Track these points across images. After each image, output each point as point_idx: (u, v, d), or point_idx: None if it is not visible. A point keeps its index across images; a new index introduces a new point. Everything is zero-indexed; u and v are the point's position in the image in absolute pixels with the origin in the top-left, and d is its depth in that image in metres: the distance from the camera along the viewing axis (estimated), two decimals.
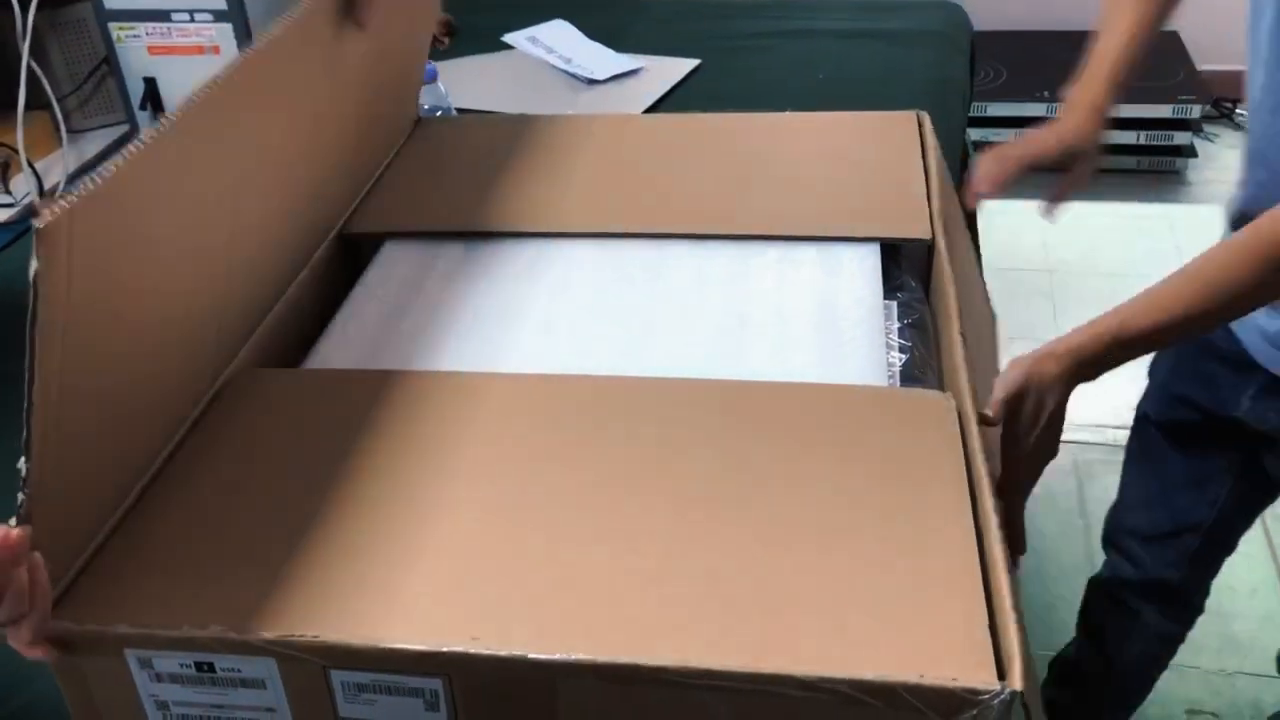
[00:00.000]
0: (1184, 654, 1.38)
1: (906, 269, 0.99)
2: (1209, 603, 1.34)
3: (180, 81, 2.74)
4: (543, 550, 0.63)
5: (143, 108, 2.78)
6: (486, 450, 0.72)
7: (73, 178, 2.64)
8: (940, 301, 0.93)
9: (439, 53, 1.81)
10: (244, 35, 2.64)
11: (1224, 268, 0.83)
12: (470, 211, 1.06)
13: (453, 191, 1.11)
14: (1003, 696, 0.55)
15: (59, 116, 2.69)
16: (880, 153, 1.12)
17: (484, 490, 0.68)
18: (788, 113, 1.23)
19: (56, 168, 2.67)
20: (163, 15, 2.62)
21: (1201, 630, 1.37)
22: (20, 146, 1.99)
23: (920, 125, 1.17)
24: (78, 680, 0.63)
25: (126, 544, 0.66)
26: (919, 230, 0.98)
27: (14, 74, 2.28)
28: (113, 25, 2.66)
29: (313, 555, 0.63)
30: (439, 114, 1.44)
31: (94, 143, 2.89)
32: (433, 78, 1.45)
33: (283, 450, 0.74)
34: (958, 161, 1.42)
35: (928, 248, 1.00)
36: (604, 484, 0.68)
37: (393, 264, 1.01)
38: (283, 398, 0.80)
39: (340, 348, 0.90)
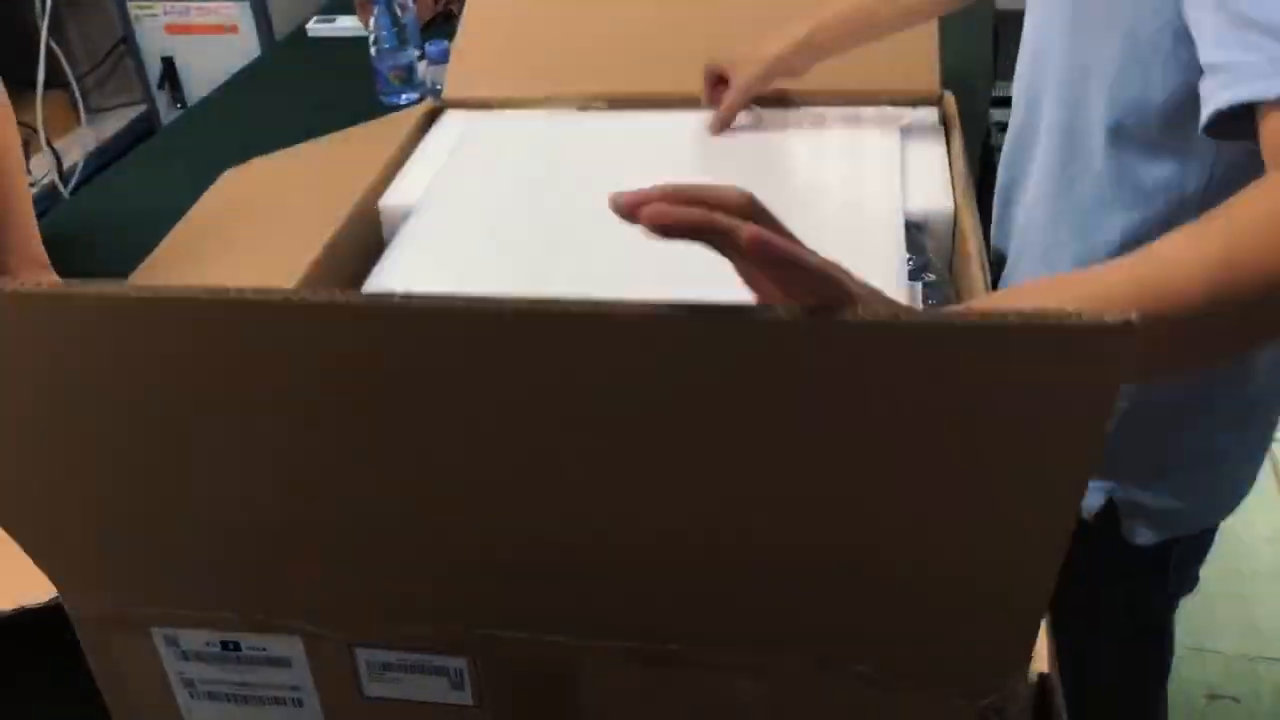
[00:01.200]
0: (1205, 638, 1.38)
1: (932, 249, 0.98)
2: (1230, 588, 1.33)
3: (198, 61, 2.75)
4: None
5: (160, 87, 2.79)
6: None
7: (91, 157, 2.66)
8: (966, 284, 0.92)
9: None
10: (262, 15, 2.65)
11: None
12: None
13: None
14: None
15: (77, 96, 2.70)
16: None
17: None
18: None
19: (75, 147, 2.68)
20: None
21: (1223, 614, 1.36)
22: (40, 125, 1.99)
23: (943, 106, 1.16)
24: (106, 657, 0.63)
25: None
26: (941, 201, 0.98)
27: (33, 53, 2.28)
28: (131, 4, 2.67)
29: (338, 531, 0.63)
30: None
31: (112, 122, 2.90)
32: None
33: None
34: (978, 145, 1.40)
35: (951, 228, 0.99)
36: None
37: None
38: None
39: None
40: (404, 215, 1.07)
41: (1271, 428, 0.96)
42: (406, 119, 1.23)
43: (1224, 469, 0.95)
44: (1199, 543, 1.01)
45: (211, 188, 1.20)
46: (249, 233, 1.09)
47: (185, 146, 1.56)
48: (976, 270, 0.90)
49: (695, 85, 1.19)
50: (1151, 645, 1.10)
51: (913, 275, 0.93)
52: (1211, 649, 1.66)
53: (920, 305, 0.90)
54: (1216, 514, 0.99)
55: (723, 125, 1.14)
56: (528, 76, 1.26)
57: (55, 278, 1.01)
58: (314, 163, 1.21)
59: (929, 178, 1.04)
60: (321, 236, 0.99)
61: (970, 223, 0.97)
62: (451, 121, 1.23)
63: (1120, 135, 0.81)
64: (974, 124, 1.37)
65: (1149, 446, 0.91)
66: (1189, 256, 0.57)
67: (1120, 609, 1.05)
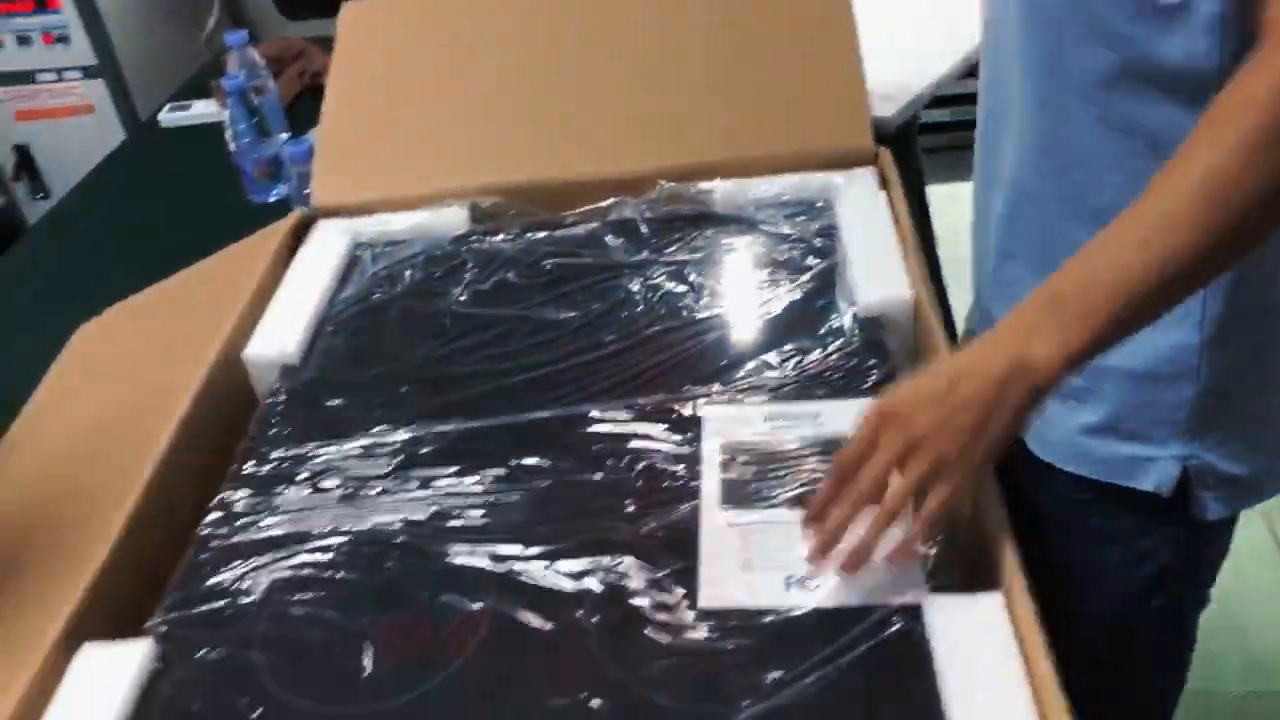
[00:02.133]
0: (1204, 679, 1.26)
1: (894, 347, 0.84)
2: (1225, 620, 1.20)
3: (56, 146, 2.53)
4: None
5: (16, 178, 2.56)
6: None
7: None
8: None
9: None
10: (119, 92, 2.44)
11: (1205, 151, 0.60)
12: None
13: None
14: None
15: None
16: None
17: None
18: None
19: None
20: (26, 77, 2.41)
21: (1220, 648, 1.23)
22: None
23: (879, 165, 1.03)
24: None
25: None
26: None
27: None
28: None
29: None
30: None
31: None
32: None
33: None
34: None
35: (912, 317, 0.86)
36: None
37: None
38: None
39: None
40: (275, 365, 0.90)
41: None
42: (272, 236, 1.06)
43: None
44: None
45: (65, 349, 1.02)
46: (97, 408, 0.91)
47: (37, 275, 1.38)
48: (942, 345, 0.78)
49: (596, 167, 1.04)
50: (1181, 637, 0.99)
51: (879, 387, 0.80)
52: (1218, 689, 1.56)
53: None
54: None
55: None
56: (406, 172, 1.10)
57: None
58: (169, 308, 1.03)
59: (878, 262, 0.90)
60: (176, 407, 0.83)
61: (932, 312, 0.85)
62: (324, 234, 1.06)
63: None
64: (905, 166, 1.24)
65: (1222, 411, 0.82)
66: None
67: (1171, 581, 0.93)
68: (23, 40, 2.36)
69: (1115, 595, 0.92)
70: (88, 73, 2.38)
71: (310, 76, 1.69)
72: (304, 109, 1.61)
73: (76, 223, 1.50)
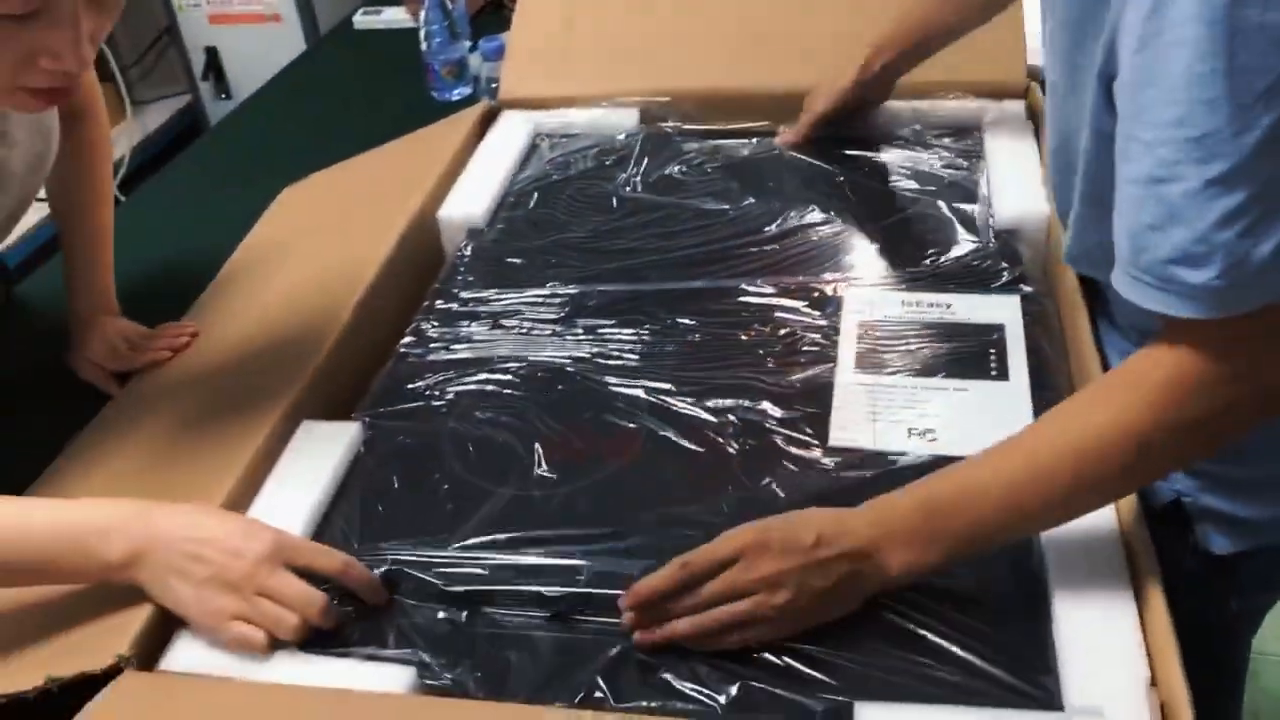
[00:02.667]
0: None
1: (1028, 258, 0.91)
2: None
3: (242, 50, 2.71)
4: None
5: (204, 78, 2.76)
6: None
7: (137, 150, 2.64)
8: (1063, 293, 0.86)
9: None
10: (306, 4, 2.61)
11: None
12: None
13: None
14: None
15: (122, 88, 2.67)
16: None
17: None
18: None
19: (122, 140, 2.65)
20: None
21: None
22: None
23: (1029, 98, 1.09)
24: None
25: None
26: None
27: None
28: None
29: None
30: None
31: (157, 114, 2.87)
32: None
33: None
34: None
35: (1046, 233, 0.93)
36: None
37: None
38: None
39: None
40: (463, 226, 1.02)
41: None
42: (462, 122, 1.17)
43: None
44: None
45: (272, 205, 1.16)
46: (310, 248, 1.04)
47: (235, 149, 1.52)
48: (1073, 279, 0.84)
49: (762, 79, 1.13)
50: (1220, 656, 1.03)
51: (1009, 287, 0.87)
52: None
53: (1020, 319, 0.84)
54: None
55: (792, 144, 1.10)
56: (585, 74, 1.20)
57: (124, 324, 0.97)
58: (370, 175, 1.16)
59: (1019, 181, 0.97)
60: (381, 251, 0.95)
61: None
62: (509, 123, 1.17)
63: None
64: None
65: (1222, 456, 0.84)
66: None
67: (1186, 616, 0.98)
68: None
69: None
70: None
71: None
72: (485, 22, 1.75)
73: (261, 117, 1.63)
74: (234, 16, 2.63)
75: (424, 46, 1.48)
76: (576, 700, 0.60)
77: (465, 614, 0.66)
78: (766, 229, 0.98)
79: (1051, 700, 0.58)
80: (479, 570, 0.67)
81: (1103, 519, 0.67)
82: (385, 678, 0.61)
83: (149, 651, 0.64)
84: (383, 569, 0.67)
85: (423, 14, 1.47)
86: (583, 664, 0.62)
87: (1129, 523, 0.67)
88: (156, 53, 2.84)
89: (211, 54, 2.70)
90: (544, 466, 0.75)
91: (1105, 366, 0.79)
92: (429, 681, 0.62)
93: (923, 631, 0.63)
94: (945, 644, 0.62)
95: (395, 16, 1.81)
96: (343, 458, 0.76)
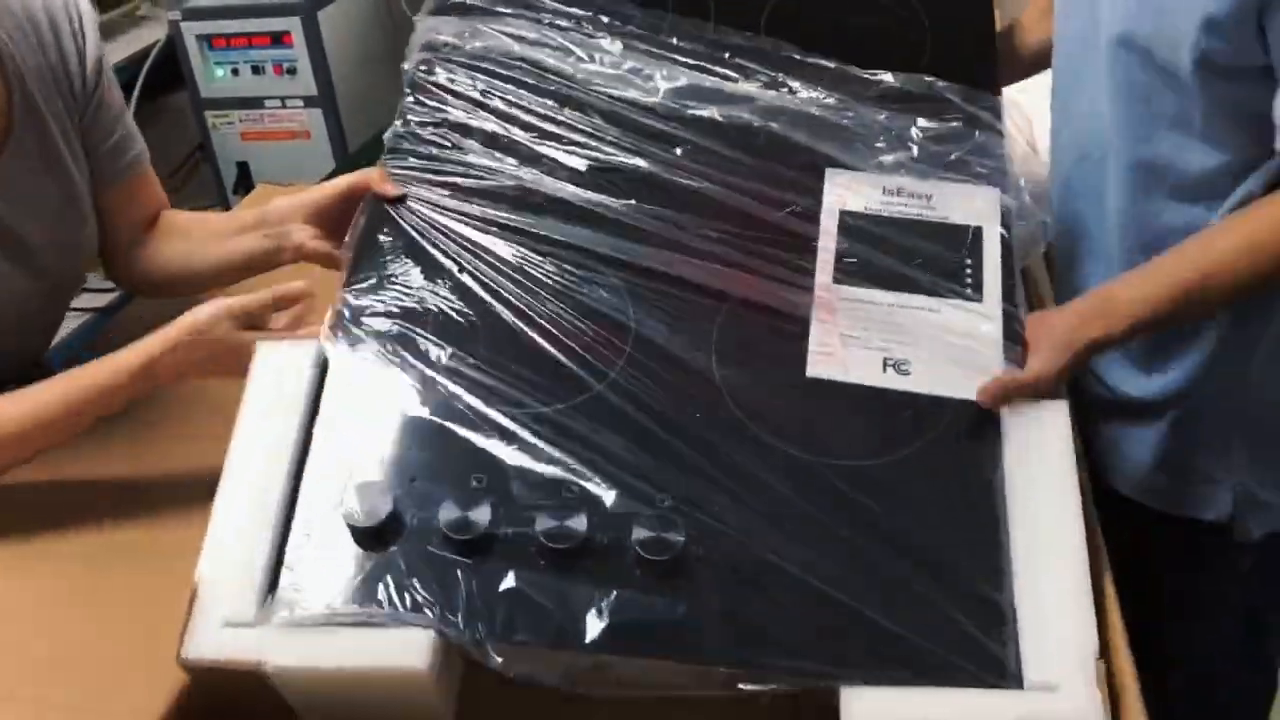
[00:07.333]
0: None
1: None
2: None
3: (272, 165, 2.84)
4: None
5: (235, 191, 2.88)
6: None
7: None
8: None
9: None
10: (334, 121, 2.75)
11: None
12: None
13: None
14: None
15: None
16: None
17: None
18: None
19: None
20: (256, 103, 2.73)
21: None
22: None
23: None
24: None
25: None
26: None
27: None
28: (208, 113, 2.78)
29: None
30: None
31: None
32: None
33: None
34: None
35: None
36: None
37: None
38: None
39: None
40: None
41: None
42: None
43: None
44: None
45: None
46: None
47: None
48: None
49: None
50: (1256, 639, 1.01)
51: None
52: None
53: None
54: None
55: None
56: None
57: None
58: None
59: None
60: None
61: None
62: None
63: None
64: None
65: (1263, 442, 0.91)
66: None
67: (1223, 600, 0.97)
68: (256, 70, 2.69)
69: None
70: (308, 102, 2.69)
71: None
72: None
73: None
74: (266, 134, 2.77)
75: None
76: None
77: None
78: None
79: (1009, 676, 0.66)
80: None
81: (1063, 504, 0.71)
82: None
83: None
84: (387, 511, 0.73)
85: None
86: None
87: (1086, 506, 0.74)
88: (189, 167, 2.98)
89: (242, 168, 2.84)
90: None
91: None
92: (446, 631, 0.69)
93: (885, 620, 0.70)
94: (903, 631, 0.69)
95: None
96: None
